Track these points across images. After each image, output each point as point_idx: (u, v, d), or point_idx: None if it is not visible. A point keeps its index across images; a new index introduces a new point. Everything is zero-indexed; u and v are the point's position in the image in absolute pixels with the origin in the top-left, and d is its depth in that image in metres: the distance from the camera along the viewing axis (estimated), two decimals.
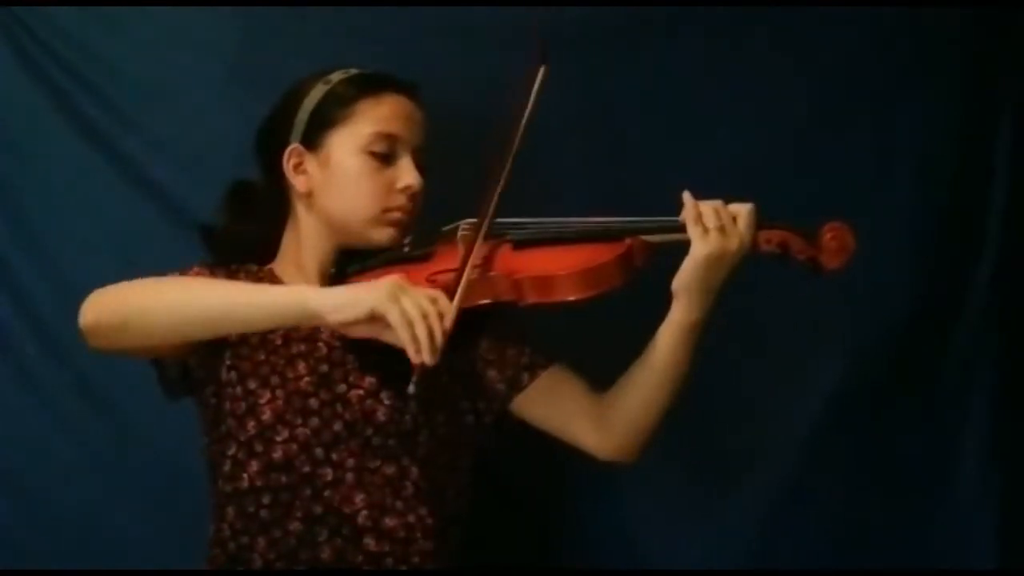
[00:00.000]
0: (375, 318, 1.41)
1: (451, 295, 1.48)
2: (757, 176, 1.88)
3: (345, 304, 1.43)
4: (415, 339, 1.40)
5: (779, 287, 1.86)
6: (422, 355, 1.41)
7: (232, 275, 1.67)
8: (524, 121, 1.58)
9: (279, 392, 1.58)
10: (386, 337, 1.43)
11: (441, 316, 1.42)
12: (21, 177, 1.97)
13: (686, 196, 1.55)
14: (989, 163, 2.00)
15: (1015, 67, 2.00)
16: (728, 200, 1.54)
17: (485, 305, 1.56)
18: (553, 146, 1.81)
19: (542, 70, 1.59)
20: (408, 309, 1.40)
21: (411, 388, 1.45)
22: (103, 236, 1.96)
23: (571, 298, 1.53)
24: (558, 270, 1.53)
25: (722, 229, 1.52)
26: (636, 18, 1.95)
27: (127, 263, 1.90)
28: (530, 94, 1.59)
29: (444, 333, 1.42)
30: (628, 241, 1.55)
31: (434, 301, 1.42)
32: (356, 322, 1.43)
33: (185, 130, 1.96)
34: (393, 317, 1.40)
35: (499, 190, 1.58)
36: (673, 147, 1.96)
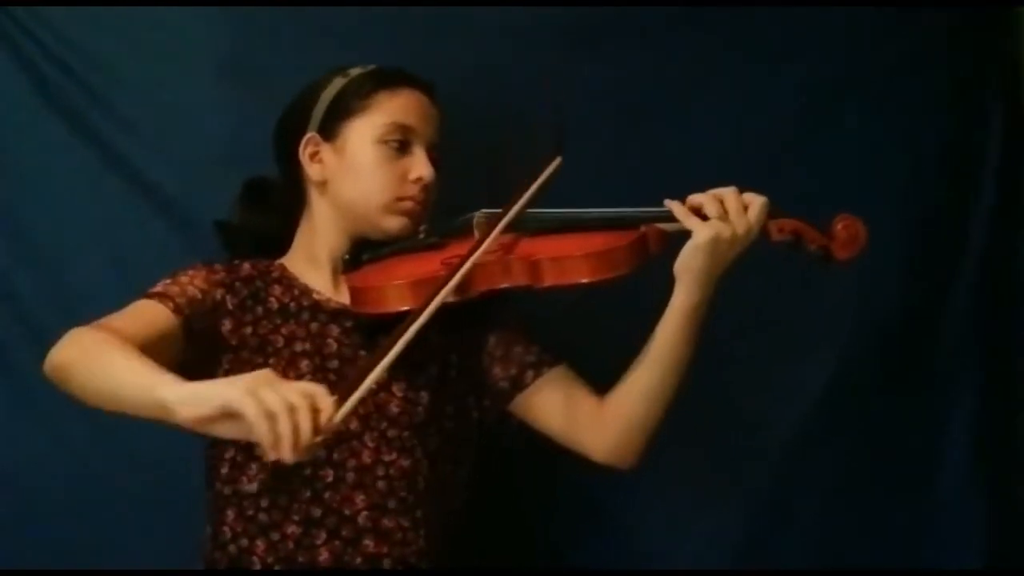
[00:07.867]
0: (230, 414, 1.26)
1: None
2: (749, 171, 1.84)
3: (194, 398, 1.28)
4: (273, 433, 1.23)
5: (768, 286, 1.90)
6: (281, 452, 1.24)
7: (235, 270, 1.67)
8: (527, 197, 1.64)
9: None
10: (252, 436, 1.26)
11: (315, 411, 1.26)
12: (12, 176, 1.96)
13: (669, 204, 1.57)
14: (978, 161, 2.03)
15: (1005, 68, 2.04)
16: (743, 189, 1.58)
17: (501, 289, 1.58)
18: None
19: (557, 160, 1.68)
20: (269, 402, 1.24)
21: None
22: (96, 235, 1.95)
23: (585, 280, 1.55)
24: (575, 251, 1.55)
25: (723, 216, 1.54)
26: (632, 16, 1.98)
27: (120, 262, 1.93)
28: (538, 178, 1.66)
29: (317, 431, 1.25)
30: (643, 228, 1.59)
31: (308, 396, 1.26)
32: (209, 418, 1.27)
33: (178, 129, 1.95)
34: (249, 411, 1.24)
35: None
36: (666, 141, 1.98)
